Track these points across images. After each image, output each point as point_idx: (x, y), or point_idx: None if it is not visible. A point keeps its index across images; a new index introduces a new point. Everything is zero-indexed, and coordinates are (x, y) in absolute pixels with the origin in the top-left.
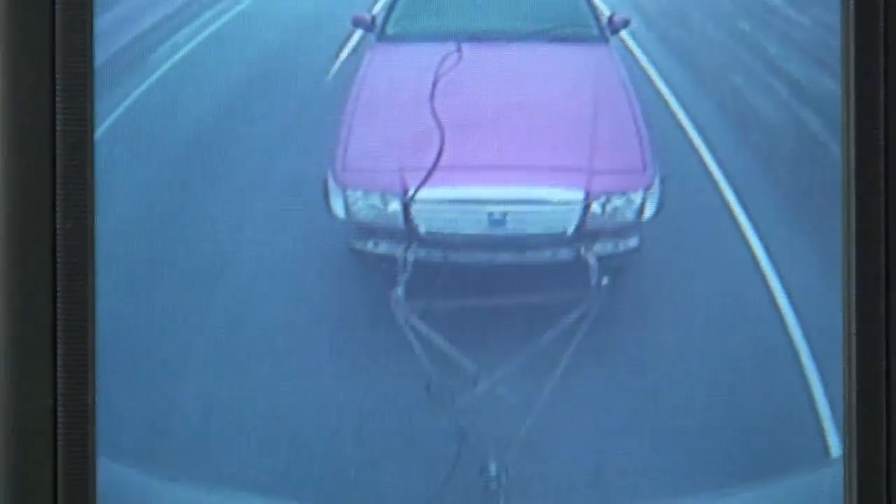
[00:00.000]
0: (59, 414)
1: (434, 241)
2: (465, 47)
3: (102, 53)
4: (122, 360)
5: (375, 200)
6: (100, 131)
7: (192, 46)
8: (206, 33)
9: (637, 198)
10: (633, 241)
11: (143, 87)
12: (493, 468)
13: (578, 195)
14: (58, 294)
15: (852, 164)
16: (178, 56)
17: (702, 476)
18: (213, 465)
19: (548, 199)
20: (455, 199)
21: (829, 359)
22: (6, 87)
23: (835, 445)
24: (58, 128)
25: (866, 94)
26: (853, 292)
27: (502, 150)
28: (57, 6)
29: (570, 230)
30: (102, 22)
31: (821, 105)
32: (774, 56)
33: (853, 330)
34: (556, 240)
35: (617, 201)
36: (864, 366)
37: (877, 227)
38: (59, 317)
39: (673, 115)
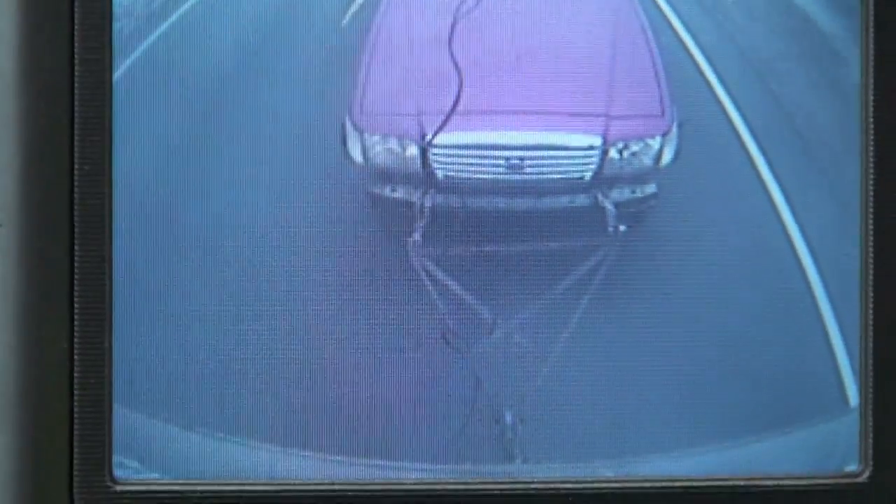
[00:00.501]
0: (75, 358)
1: (451, 186)
2: None
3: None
4: (138, 307)
5: (393, 145)
6: (118, 74)
7: None
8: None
9: (655, 143)
10: (650, 188)
11: (161, 29)
12: (508, 417)
13: (596, 140)
14: (75, 239)
15: (870, 111)
16: (192, 1)
17: (718, 426)
18: (228, 414)
19: (566, 145)
20: (472, 143)
21: (848, 308)
22: (26, 32)
23: (853, 395)
24: (76, 73)
25: (884, 45)
26: (871, 240)
27: (520, 95)
28: None
29: (588, 176)
30: None
31: (839, 58)
32: (796, 4)
33: (871, 277)
34: (574, 185)
35: (635, 147)
36: (881, 314)
37: (894, 177)
38: (76, 261)
39: (693, 60)
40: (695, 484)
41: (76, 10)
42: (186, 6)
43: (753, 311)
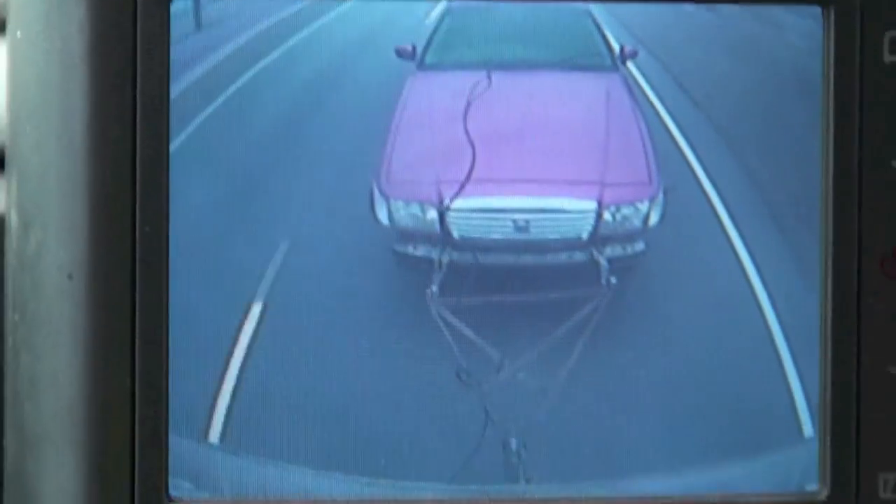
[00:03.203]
0: (136, 394)
1: (466, 245)
2: (494, 75)
3: (178, 82)
4: (191, 349)
5: (415, 209)
6: (174, 145)
7: (252, 73)
8: (263, 63)
9: (643, 207)
10: (639, 246)
11: (213, 106)
12: (513, 444)
13: (592, 205)
14: (136, 290)
15: (830, 181)
16: (241, 81)
17: (694, 452)
18: (267, 441)
19: (566, 209)
20: (484, 208)
21: (804, 351)
22: (94, 109)
23: (807, 427)
24: (138, 145)
25: (842, 121)
26: (829, 292)
27: (526, 166)
28: (139, 41)
29: (585, 236)
30: (178, 53)
31: (798, 128)
32: (758, 80)
33: (829, 326)
34: (572, 244)
35: (626, 210)
36: (837, 358)
37: (851, 235)
38: (137, 309)
39: (671, 136)
40: (675, 501)
41: (138, 90)
42: (234, 88)
43: (722, 353)
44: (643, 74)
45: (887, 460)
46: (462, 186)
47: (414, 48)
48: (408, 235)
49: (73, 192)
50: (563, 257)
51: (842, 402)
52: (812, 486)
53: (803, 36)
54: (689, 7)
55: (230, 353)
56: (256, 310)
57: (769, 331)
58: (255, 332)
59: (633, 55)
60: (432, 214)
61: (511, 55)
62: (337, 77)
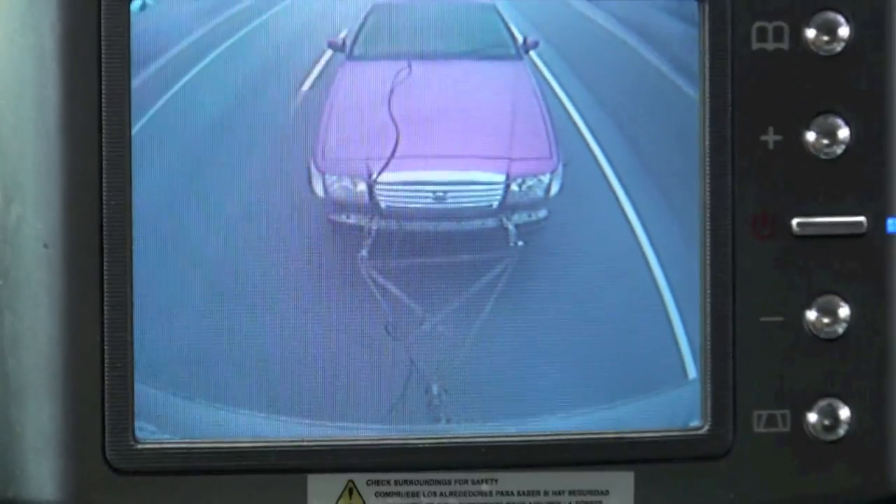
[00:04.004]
0: (105, 347)
1: (391, 213)
2: (414, 64)
3: (138, 74)
4: (153, 307)
5: (347, 183)
6: (135, 129)
7: (203, 64)
8: (213, 55)
9: (545, 179)
10: (542, 213)
11: (168, 95)
12: (435, 389)
13: (501, 177)
14: (104, 256)
15: (707, 154)
16: (194, 72)
17: (593, 394)
18: (221, 389)
19: (478, 181)
20: (407, 181)
21: (687, 304)
22: (66, 99)
23: (691, 370)
24: (104, 129)
25: (717, 101)
26: (708, 252)
27: (443, 143)
28: (102, 37)
29: (495, 205)
30: (137, 47)
31: (680, 108)
32: (643, 65)
33: (708, 282)
34: (484, 212)
35: (530, 182)
36: (715, 310)
37: (726, 202)
38: (105, 272)
39: (569, 116)
40: (576, 437)
41: (103, 81)
42: (187, 78)
43: (616, 307)
44: (544, 62)
45: (760, 399)
46: (387, 162)
47: (344, 41)
48: (341, 206)
49: (47, 171)
50: (476, 224)
51: (720, 348)
52: (695, 423)
53: (681, 26)
54: (582, 2)
55: (186, 311)
56: (210, 272)
57: (657, 286)
58: (205, 292)
59: (535, 45)
60: (362, 187)
61: (428, 47)
62: (277, 67)
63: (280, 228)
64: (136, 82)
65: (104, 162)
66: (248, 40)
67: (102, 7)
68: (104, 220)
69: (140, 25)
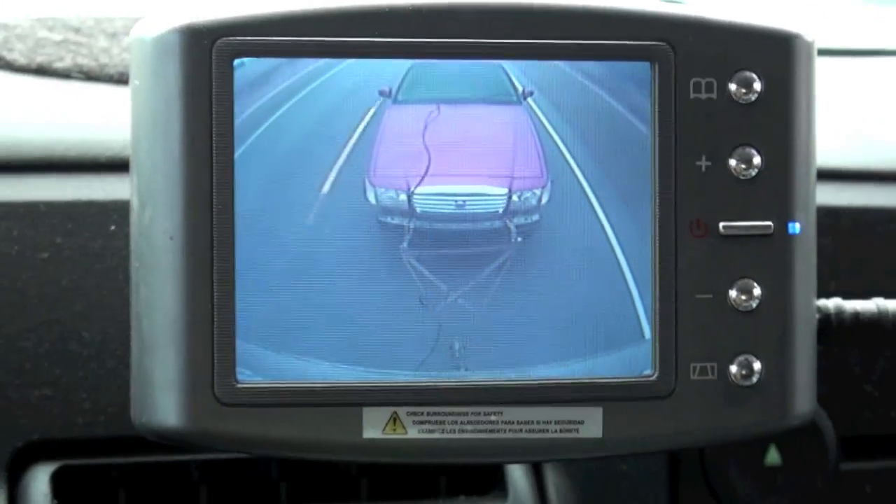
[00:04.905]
0: (214, 313)
1: (425, 217)
2: (442, 107)
3: (239, 114)
4: (250, 283)
5: (392, 194)
6: (238, 152)
7: (287, 107)
8: (293, 101)
9: (538, 192)
10: (535, 217)
11: (261, 128)
12: (456, 345)
13: (505, 191)
14: (214, 247)
15: (657, 175)
16: (276, 115)
17: (573, 349)
18: (300, 344)
19: (488, 193)
20: (437, 193)
21: (644, 286)
22: (184, 134)
23: (646, 333)
24: (214, 154)
25: (664, 136)
26: (657, 247)
27: (463, 165)
28: (213, 86)
29: (501, 210)
30: (240, 94)
31: (637, 140)
32: (606, 108)
33: (657, 269)
34: (493, 216)
35: (527, 194)
36: (663, 287)
37: (670, 211)
38: (214, 259)
39: (557, 146)
40: (560, 381)
41: (213, 119)
42: (273, 119)
43: (592, 286)
44: (538, 107)
45: (695, 355)
46: (422, 179)
47: (391, 90)
48: (387, 211)
49: (172, 183)
50: (486, 224)
51: (666, 317)
52: (647, 371)
53: (638, 81)
54: (565, 64)
55: (274, 286)
56: (290, 257)
57: (622, 271)
58: (289, 272)
59: (531, 94)
60: (403, 197)
61: (452, 95)
62: (343, 108)
63: (344, 227)
64: (238, 120)
65: (214, 177)
66: (320, 90)
67: (213, 64)
68: (214, 219)
69: (240, 78)
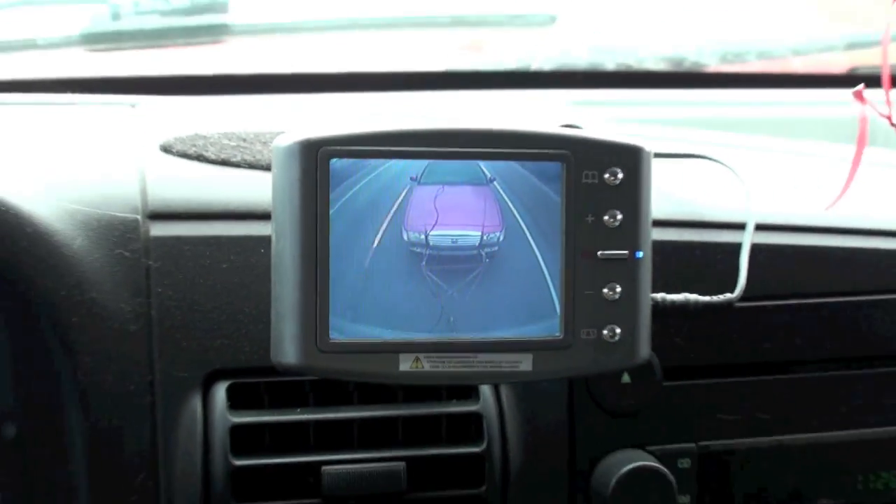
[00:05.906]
0: (318, 293)
1: (435, 247)
2: (445, 188)
3: (333, 189)
4: (337, 279)
5: (416, 235)
6: (332, 210)
7: (358, 186)
8: (361, 183)
9: (498, 234)
10: (496, 248)
11: (344, 198)
12: (452, 318)
13: (479, 233)
14: (317, 256)
15: (564, 224)
16: (350, 193)
17: (516, 320)
18: (363, 314)
19: (470, 234)
20: (442, 234)
21: (556, 283)
22: (301, 199)
23: (557, 310)
24: (318, 209)
25: (570, 209)
26: (564, 265)
27: (455, 219)
28: (318, 175)
29: (477, 244)
30: (333, 178)
31: (553, 211)
32: (539, 191)
33: (563, 276)
34: (472, 248)
35: (491, 235)
36: (566, 288)
37: (572, 242)
38: (317, 263)
39: (510, 207)
40: (509, 339)
41: (318, 197)
42: (348, 195)
43: (529, 286)
44: (499, 186)
45: (584, 323)
46: (433, 226)
47: (417, 177)
48: (414, 244)
49: (294, 228)
50: (469, 252)
51: (568, 304)
52: (557, 333)
53: (553, 174)
54: (513, 163)
55: (350, 279)
56: (359, 266)
57: (545, 278)
58: (359, 273)
59: (494, 180)
60: (423, 237)
61: (450, 179)
62: (390, 188)
63: (390, 253)
64: (332, 194)
65: (318, 226)
66: (375, 178)
67: (318, 162)
68: (318, 248)
69: (334, 169)
